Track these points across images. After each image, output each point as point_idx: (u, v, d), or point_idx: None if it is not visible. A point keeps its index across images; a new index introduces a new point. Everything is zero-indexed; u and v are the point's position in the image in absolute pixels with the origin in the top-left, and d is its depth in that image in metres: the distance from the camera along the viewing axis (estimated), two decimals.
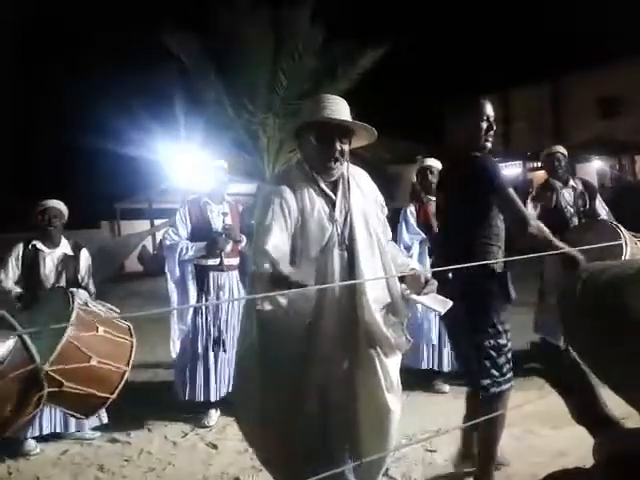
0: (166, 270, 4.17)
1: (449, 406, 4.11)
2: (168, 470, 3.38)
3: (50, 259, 3.97)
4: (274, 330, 2.18)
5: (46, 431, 3.76)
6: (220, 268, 4.17)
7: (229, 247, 4.18)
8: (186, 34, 13.24)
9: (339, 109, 2.26)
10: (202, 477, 3.24)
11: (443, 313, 2.32)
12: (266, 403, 2.22)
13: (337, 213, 2.26)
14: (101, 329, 3.25)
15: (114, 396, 3.26)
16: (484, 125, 2.76)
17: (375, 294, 2.24)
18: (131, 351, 3.32)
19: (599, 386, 1.15)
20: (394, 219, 3.90)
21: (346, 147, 2.29)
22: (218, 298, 4.12)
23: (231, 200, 4.44)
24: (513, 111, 23.62)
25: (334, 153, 2.25)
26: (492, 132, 2.79)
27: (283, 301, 2.09)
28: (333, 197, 2.29)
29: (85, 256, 4.14)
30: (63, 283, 3.94)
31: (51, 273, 3.94)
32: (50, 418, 3.76)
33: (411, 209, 4.69)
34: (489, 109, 2.79)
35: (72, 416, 3.45)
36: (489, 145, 2.80)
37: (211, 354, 4.09)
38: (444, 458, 3.23)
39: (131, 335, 3.38)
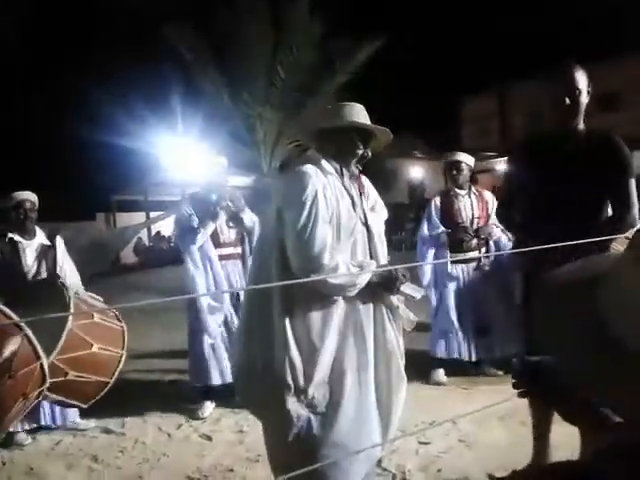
0: (190, 252, 4.05)
1: (443, 397, 4.12)
2: (162, 461, 3.37)
3: (30, 250, 3.91)
4: (309, 305, 2.31)
5: (41, 422, 3.78)
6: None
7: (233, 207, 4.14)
8: (186, 26, 13.19)
9: (364, 115, 2.46)
10: (196, 468, 3.23)
11: (418, 299, 2.51)
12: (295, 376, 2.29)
13: (357, 203, 2.44)
14: (96, 316, 3.28)
15: (112, 380, 3.28)
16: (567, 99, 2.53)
17: None
18: (124, 336, 3.37)
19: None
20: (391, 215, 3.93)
21: (368, 152, 2.47)
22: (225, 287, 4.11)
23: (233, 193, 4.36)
24: (511, 106, 23.65)
25: (359, 157, 2.45)
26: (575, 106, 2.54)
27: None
28: (351, 190, 2.46)
29: (61, 244, 4.07)
30: (44, 273, 3.89)
31: (33, 264, 3.87)
32: (43, 410, 3.77)
33: (436, 202, 4.76)
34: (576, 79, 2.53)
35: (72, 406, 3.45)
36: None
37: (221, 343, 4.10)
38: (438, 450, 3.24)
39: (120, 320, 3.42)
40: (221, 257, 4.14)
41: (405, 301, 2.51)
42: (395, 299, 2.45)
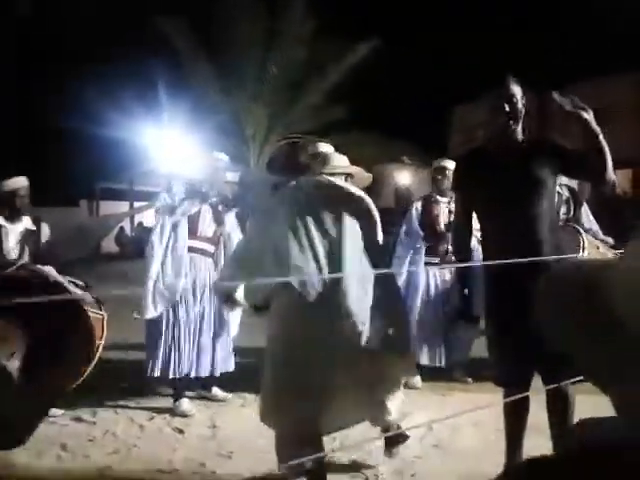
0: (162, 225, 4.01)
1: (419, 402, 4.11)
2: (133, 453, 3.32)
3: (13, 234, 3.95)
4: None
5: None
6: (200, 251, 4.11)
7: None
8: (177, 18, 13.12)
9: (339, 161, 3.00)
10: (167, 462, 3.18)
11: None
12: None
13: (328, 227, 2.72)
14: None
15: (89, 369, 3.22)
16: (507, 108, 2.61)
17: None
18: (103, 325, 3.30)
19: None
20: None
21: None
22: (194, 281, 4.03)
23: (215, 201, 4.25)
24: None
25: None
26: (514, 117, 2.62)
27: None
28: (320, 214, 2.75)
29: (45, 230, 4.12)
30: (26, 257, 3.90)
31: (14, 248, 3.91)
32: None
33: (417, 206, 4.83)
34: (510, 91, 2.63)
35: None
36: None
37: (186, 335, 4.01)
38: (413, 454, 3.22)
39: (100, 308, 3.35)
40: (192, 249, 4.06)
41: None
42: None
